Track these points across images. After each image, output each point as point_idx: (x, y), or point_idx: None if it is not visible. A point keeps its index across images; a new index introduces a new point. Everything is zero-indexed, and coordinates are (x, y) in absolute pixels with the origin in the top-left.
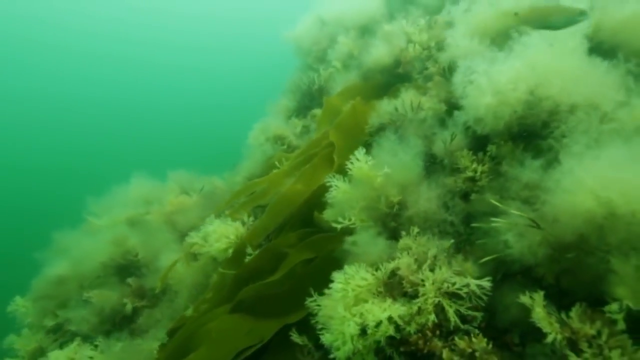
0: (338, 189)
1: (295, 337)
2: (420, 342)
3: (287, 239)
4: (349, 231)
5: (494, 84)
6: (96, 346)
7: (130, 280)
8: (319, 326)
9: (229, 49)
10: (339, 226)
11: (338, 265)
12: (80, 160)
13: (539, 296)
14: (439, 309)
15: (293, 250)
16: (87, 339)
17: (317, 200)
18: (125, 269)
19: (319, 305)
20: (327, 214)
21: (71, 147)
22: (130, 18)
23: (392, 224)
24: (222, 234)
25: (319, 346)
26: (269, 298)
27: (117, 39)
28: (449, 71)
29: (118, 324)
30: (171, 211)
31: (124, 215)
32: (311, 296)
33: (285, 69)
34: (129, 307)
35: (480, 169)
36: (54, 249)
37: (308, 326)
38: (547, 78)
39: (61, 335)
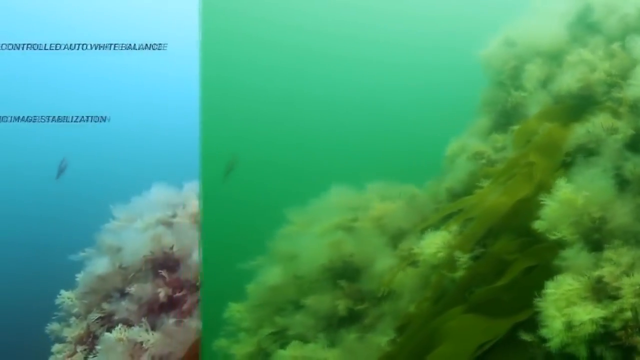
0: (549, 206)
1: (524, 335)
2: (623, 337)
3: (506, 246)
4: (560, 242)
5: None
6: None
7: (342, 282)
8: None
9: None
10: (553, 237)
11: (555, 272)
12: (286, 156)
13: None
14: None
15: (518, 257)
16: (306, 340)
17: (518, 211)
18: (340, 271)
19: (539, 306)
20: (539, 225)
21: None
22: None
23: (596, 235)
24: (431, 241)
25: (545, 340)
26: (496, 300)
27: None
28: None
29: (335, 325)
30: (378, 216)
31: (332, 221)
32: (535, 297)
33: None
34: (342, 309)
35: None
36: (268, 255)
37: (533, 324)
38: None
39: (280, 337)
